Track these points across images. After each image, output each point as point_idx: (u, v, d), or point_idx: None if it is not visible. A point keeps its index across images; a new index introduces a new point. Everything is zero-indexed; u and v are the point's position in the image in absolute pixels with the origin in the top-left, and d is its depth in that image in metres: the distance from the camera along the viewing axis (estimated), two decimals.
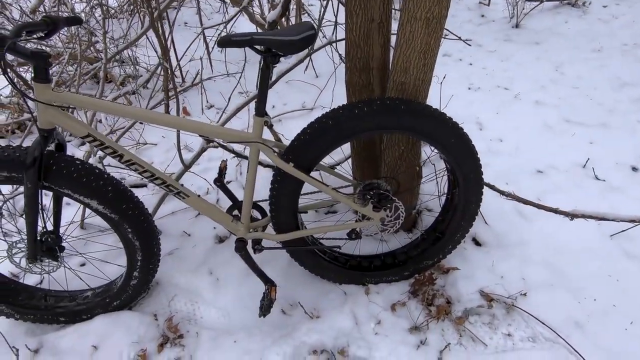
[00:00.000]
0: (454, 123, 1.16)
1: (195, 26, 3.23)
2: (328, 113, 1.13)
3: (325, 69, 3.00)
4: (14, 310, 1.37)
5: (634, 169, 1.91)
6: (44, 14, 1.13)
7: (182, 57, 2.85)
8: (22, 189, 1.93)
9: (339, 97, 2.78)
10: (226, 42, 1.00)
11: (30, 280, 1.56)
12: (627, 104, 2.43)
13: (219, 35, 2.86)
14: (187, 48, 2.84)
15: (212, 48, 2.87)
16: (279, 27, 2.05)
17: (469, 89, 2.82)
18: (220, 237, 1.73)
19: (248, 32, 1.00)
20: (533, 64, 3.08)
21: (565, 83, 2.75)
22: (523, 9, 3.77)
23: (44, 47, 2.95)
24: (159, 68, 3.10)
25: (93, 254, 1.57)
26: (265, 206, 1.42)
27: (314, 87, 2.84)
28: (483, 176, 1.26)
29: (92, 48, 2.94)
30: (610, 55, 3.04)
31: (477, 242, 1.57)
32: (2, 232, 1.76)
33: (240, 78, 2.29)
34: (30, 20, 2.10)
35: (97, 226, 1.82)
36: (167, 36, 2.85)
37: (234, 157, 1.82)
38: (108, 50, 2.42)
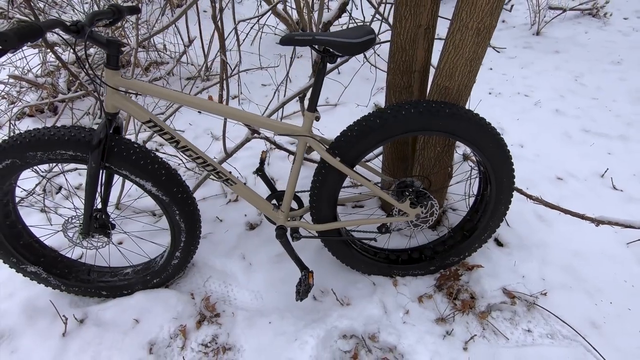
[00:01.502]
0: (492, 128, 1.23)
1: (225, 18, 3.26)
2: (375, 112, 1.20)
3: (346, 66, 3.05)
4: (61, 282, 1.45)
5: None
6: (111, 3, 1.19)
7: (209, 49, 2.90)
8: (56, 169, 2.00)
9: (362, 95, 2.85)
10: (289, 40, 1.06)
11: (70, 255, 1.63)
12: None
13: (251, 28, 2.91)
14: (225, 38, 2.88)
15: (243, 41, 2.92)
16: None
17: (490, 93, 2.87)
18: (252, 224, 1.81)
19: (310, 33, 1.06)
20: (553, 72, 3.13)
21: (585, 93, 2.81)
22: (544, 16, 3.81)
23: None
24: (183, 56, 3.16)
25: (132, 233, 1.65)
26: (302, 197, 1.49)
27: (337, 84, 2.90)
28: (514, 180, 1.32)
29: (121, 32, 2.99)
30: (630, 68, 3.08)
31: (499, 243, 1.64)
32: (45, 208, 1.84)
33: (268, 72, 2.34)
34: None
35: (132, 207, 1.90)
36: (199, 27, 2.91)
37: (273, 148, 1.88)
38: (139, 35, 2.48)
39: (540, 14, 3.70)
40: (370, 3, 1.99)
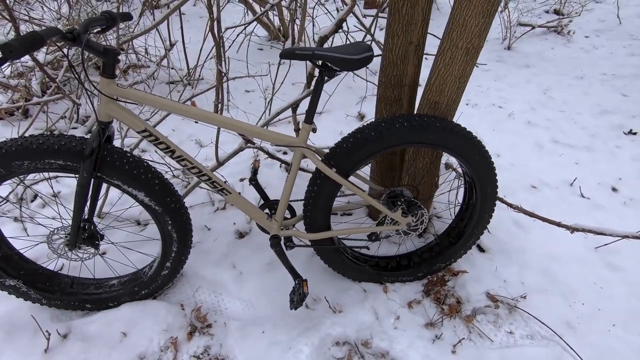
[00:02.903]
0: (478, 141, 1.30)
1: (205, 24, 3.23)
2: (370, 125, 1.24)
3: None
4: (42, 296, 1.39)
5: (614, 189, 2.14)
6: (104, 10, 1.17)
7: (199, 55, 2.86)
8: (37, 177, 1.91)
9: (346, 103, 2.90)
10: (289, 54, 1.09)
11: (50, 266, 1.57)
12: (606, 129, 2.69)
13: (237, 35, 2.90)
14: (202, 46, 2.85)
15: (229, 48, 2.91)
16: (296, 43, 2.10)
17: (467, 104, 3.01)
18: (241, 232, 1.80)
19: (310, 47, 1.09)
20: (524, 85, 3.32)
21: (553, 106, 3.00)
22: (515, 32, 4.04)
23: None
24: (164, 60, 3.10)
25: (119, 244, 1.60)
26: (296, 206, 1.51)
27: (322, 92, 2.93)
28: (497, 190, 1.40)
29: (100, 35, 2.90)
30: (592, 83, 3.32)
31: (481, 249, 1.73)
32: (22, 218, 1.76)
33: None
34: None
35: (115, 216, 1.84)
36: (181, 31, 2.86)
37: (266, 157, 1.89)
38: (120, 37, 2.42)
39: (511, 30, 3.92)
40: (362, 24, 2.05)
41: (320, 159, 1.25)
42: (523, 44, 4.03)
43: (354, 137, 1.24)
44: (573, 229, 1.42)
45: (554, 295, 1.56)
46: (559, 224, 1.45)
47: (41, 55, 2.53)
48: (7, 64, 2.55)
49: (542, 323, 1.42)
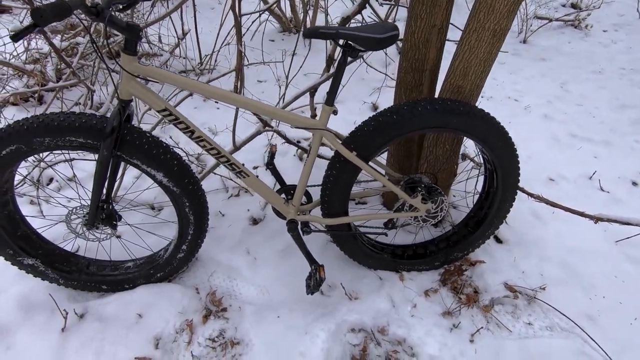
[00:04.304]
0: (502, 127, 1.27)
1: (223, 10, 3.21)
2: (392, 108, 1.22)
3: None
4: (59, 276, 1.39)
5: (634, 183, 2.09)
6: None
7: (215, 43, 2.85)
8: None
9: (358, 94, 2.87)
10: (313, 33, 1.07)
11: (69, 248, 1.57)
12: (625, 124, 2.63)
13: (252, 22, 2.87)
14: (218, 32, 2.84)
15: (244, 35, 2.89)
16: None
17: (482, 97, 2.96)
18: (255, 219, 1.79)
19: (334, 26, 1.07)
20: (540, 79, 3.26)
21: (570, 100, 2.94)
22: (531, 25, 3.97)
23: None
24: (177, 49, 3.09)
25: (134, 226, 1.60)
26: (312, 191, 1.49)
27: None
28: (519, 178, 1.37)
29: None
30: (610, 77, 3.25)
31: (498, 240, 1.70)
32: (38, 199, 1.76)
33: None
34: None
35: (128, 200, 1.84)
36: (195, 19, 2.85)
37: (283, 143, 1.87)
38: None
39: (527, 23, 3.85)
40: (376, 14, 2.01)
41: (340, 141, 1.23)
42: (539, 37, 3.96)
43: (375, 120, 1.22)
44: (597, 219, 1.39)
45: (574, 287, 1.53)
46: (582, 214, 1.42)
47: (56, 41, 2.54)
48: (27, 38, 2.56)
49: (563, 315, 1.39)
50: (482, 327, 1.35)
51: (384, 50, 3.24)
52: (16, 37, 0.76)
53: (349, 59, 1.14)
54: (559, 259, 1.63)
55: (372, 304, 1.42)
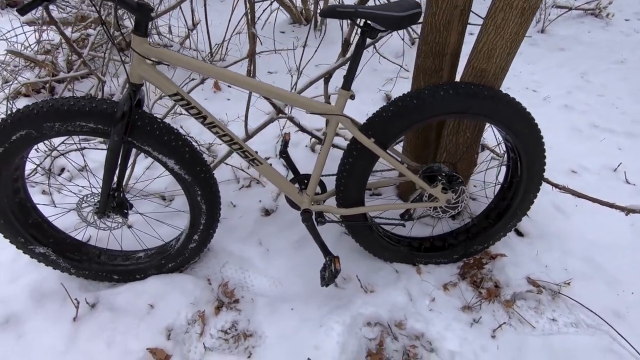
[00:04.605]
0: (528, 112, 1.21)
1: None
2: (412, 93, 1.16)
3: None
4: (71, 265, 1.38)
5: None
6: None
7: (225, 31, 2.81)
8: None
9: (370, 84, 2.81)
10: (330, 12, 1.02)
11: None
12: None
13: (263, 11, 2.82)
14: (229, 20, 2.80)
15: (255, 23, 2.85)
16: None
17: None
18: (267, 210, 1.76)
19: (352, 5, 1.02)
20: (558, 69, 3.15)
21: (591, 90, 2.83)
22: (549, 14, 3.84)
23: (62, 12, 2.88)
24: (187, 40, 3.06)
25: (145, 215, 1.58)
26: (326, 181, 1.45)
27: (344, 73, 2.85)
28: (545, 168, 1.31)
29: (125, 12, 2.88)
30: (633, 67, 3.13)
31: (519, 233, 1.63)
32: (49, 189, 1.75)
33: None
34: None
35: (137, 190, 1.82)
36: (205, 10, 2.81)
37: (296, 131, 1.82)
38: None
39: (545, 12, 3.73)
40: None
41: (358, 128, 1.18)
42: (558, 27, 3.83)
43: (394, 105, 1.16)
44: (629, 211, 1.32)
45: (599, 283, 1.46)
46: (612, 205, 1.35)
47: (67, 33, 2.52)
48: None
49: (590, 310, 1.33)
50: (504, 323, 1.29)
51: (402, 33, 3.18)
52: (23, 10, 0.73)
53: (368, 40, 1.08)
54: (583, 253, 1.57)
55: (388, 297, 1.37)
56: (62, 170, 1.97)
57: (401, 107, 1.15)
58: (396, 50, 3.32)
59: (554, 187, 1.50)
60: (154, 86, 1.10)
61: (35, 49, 2.62)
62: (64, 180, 1.90)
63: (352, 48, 1.60)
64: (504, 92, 1.18)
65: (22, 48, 2.53)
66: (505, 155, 1.39)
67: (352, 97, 1.16)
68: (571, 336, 1.30)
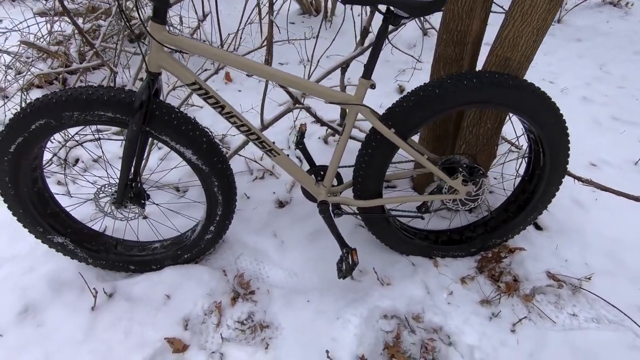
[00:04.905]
0: (553, 103, 1.17)
1: None
2: (434, 82, 1.13)
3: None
4: (88, 255, 1.39)
5: None
6: None
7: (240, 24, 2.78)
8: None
9: (383, 76, 2.77)
10: None
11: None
12: None
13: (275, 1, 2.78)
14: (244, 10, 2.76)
15: (266, 14, 2.82)
16: None
17: None
18: (281, 201, 1.75)
19: None
20: (576, 60, 3.07)
21: (610, 82, 2.76)
22: (566, 4, 3.74)
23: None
24: (197, 32, 3.03)
25: (162, 206, 1.58)
26: (344, 172, 1.43)
27: (359, 65, 2.81)
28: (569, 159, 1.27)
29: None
30: None
31: (537, 227, 1.60)
32: (65, 180, 1.76)
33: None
34: None
35: (153, 181, 1.82)
36: (216, 2, 2.78)
37: (313, 121, 1.79)
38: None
39: (562, 1, 3.62)
40: None
41: (377, 118, 1.15)
42: (575, 16, 3.73)
43: (415, 95, 1.14)
44: None
45: (622, 278, 1.43)
46: (637, 199, 1.31)
47: (78, 23, 2.51)
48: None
49: (613, 306, 1.30)
50: (525, 317, 1.27)
51: (417, 22, 3.11)
52: None
53: (390, 27, 1.06)
54: (603, 247, 1.53)
55: (405, 290, 1.36)
56: (77, 161, 1.98)
57: (423, 97, 1.12)
58: (408, 42, 3.26)
59: (575, 180, 1.46)
60: (172, 75, 1.09)
61: (48, 40, 2.63)
62: (79, 170, 1.90)
63: (370, 37, 1.57)
64: (528, 81, 1.14)
65: (35, 39, 2.53)
66: (527, 147, 1.36)
67: (373, 86, 1.13)
68: (592, 332, 1.27)
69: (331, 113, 2.06)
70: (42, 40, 2.60)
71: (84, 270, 1.42)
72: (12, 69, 2.63)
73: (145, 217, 1.64)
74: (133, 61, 2.72)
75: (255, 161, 1.91)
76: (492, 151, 1.45)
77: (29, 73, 2.41)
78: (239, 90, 2.66)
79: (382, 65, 2.96)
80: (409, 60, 2.87)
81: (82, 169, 1.93)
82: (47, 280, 1.38)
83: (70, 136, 1.82)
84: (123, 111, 1.08)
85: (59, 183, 1.84)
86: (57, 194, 1.38)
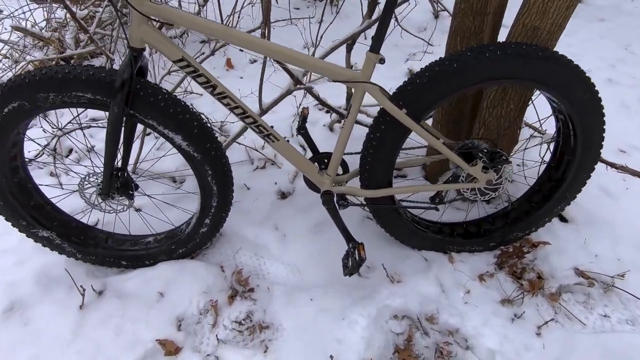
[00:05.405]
0: (588, 77, 1.03)
1: None
2: (452, 55, 1.00)
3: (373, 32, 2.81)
4: (77, 250, 1.30)
5: None
6: None
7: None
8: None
9: (391, 60, 2.63)
10: None
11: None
12: None
13: None
14: None
15: None
16: None
17: None
18: (283, 192, 1.64)
19: None
20: (599, 41, 2.88)
21: (637, 63, 2.57)
22: None
23: None
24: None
25: (155, 198, 1.48)
26: (349, 159, 1.31)
27: (364, 48, 2.67)
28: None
29: None
30: None
31: (562, 218, 1.47)
32: (55, 171, 1.68)
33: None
34: None
35: (150, 172, 1.73)
36: None
37: (316, 105, 1.66)
38: None
39: None
40: None
41: (388, 97, 1.03)
42: None
43: (430, 70, 1.01)
44: None
45: None
46: None
47: (75, 10, 2.41)
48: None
49: None
50: (552, 319, 1.15)
51: (432, 3, 2.95)
52: None
53: None
54: (636, 241, 1.39)
55: (417, 288, 1.25)
56: (70, 151, 1.89)
57: (439, 73, 0.99)
58: (419, 25, 3.10)
59: (608, 167, 1.32)
60: (158, 51, 0.98)
61: (44, 26, 2.54)
62: (71, 161, 1.82)
63: (378, 9, 1.43)
64: (561, 53, 1.00)
65: (31, 26, 2.44)
66: (555, 130, 1.22)
67: (382, 61, 1.01)
68: (627, 335, 1.15)
69: (338, 100, 1.93)
70: (37, 27, 2.51)
71: (73, 266, 1.34)
72: (8, 58, 2.55)
73: (138, 210, 1.55)
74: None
75: (256, 150, 1.80)
76: (514, 135, 1.31)
77: (25, 62, 2.33)
78: (241, 77, 2.54)
79: (391, 49, 2.81)
80: (419, 44, 2.72)
81: (76, 159, 1.84)
82: (35, 276, 1.30)
83: (59, 124, 1.73)
84: (104, 92, 0.98)
85: (51, 175, 1.75)
86: (43, 185, 1.29)
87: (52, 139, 1.81)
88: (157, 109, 1.02)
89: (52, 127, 1.73)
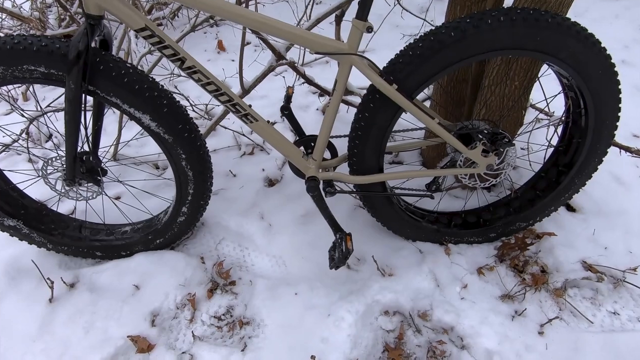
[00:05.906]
0: (604, 49, 0.92)
1: None
2: (450, 23, 0.89)
3: (373, 13, 2.67)
4: (47, 240, 1.22)
5: None
6: None
7: None
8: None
9: (391, 42, 2.49)
10: None
11: (62, 209, 1.39)
12: None
13: None
14: None
15: None
16: None
17: None
18: (271, 179, 1.54)
19: None
20: (612, 21, 2.71)
21: None
22: None
23: None
24: None
25: (132, 186, 1.39)
26: (337, 143, 1.20)
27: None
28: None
29: None
30: None
31: (570, 207, 1.36)
32: (31, 157, 1.59)
33: None
34: None
35: (131, 158, 1.64)
36: None
37: (302, 83, 1.54)
38: None
39: None
40: None
41: (377, 72, 0.92)
42: None
43: (425, 40, 0.89)
44: None
45: None
46: None
47: None
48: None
49: None
50: (557, 317, 1.05)
51: None
52: None
53: None
54: None
55: (410, 282, 1.16)
56: (50, 136, 1.80)
57: (434, 43, 0.88)
58: (421, 5, 2.96)
59: (622, 151, 1.21)
60: (118, 19, 0.87)
61: (27, 7, 2.42)
62: (52, 147, 1.73)
63: None
64: (573, 20, 0.88)
65: (11, 5, 2.33)
66: (565, 110, 1.10)
67: (370, 29, 0.89)
68: (638, 334, 1.05)
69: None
70: (18, 7, 2.40)
71: (45, 257, 1.26)
72: None
73: (117, 198, 1.46)
74: (119, 31, 2.52)
75: (244, 134, 1.70)
76: (518, 116, 1.20)
77: None
78: (232, 60, 2.42)
79: (391, 31, 2.68)
80: (420, 25, 2.58)
81: (58, 144, 1.75)
82: (2, 267, 1.22)
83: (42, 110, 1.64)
84: (58, 66, 0.88)
85: (29, 161, 1.67)
86: (6, 170, 1.20)
87: (30, 123, 1.72)
88: (120, 85, 0.92)
89: (25, 112, 1.64)
